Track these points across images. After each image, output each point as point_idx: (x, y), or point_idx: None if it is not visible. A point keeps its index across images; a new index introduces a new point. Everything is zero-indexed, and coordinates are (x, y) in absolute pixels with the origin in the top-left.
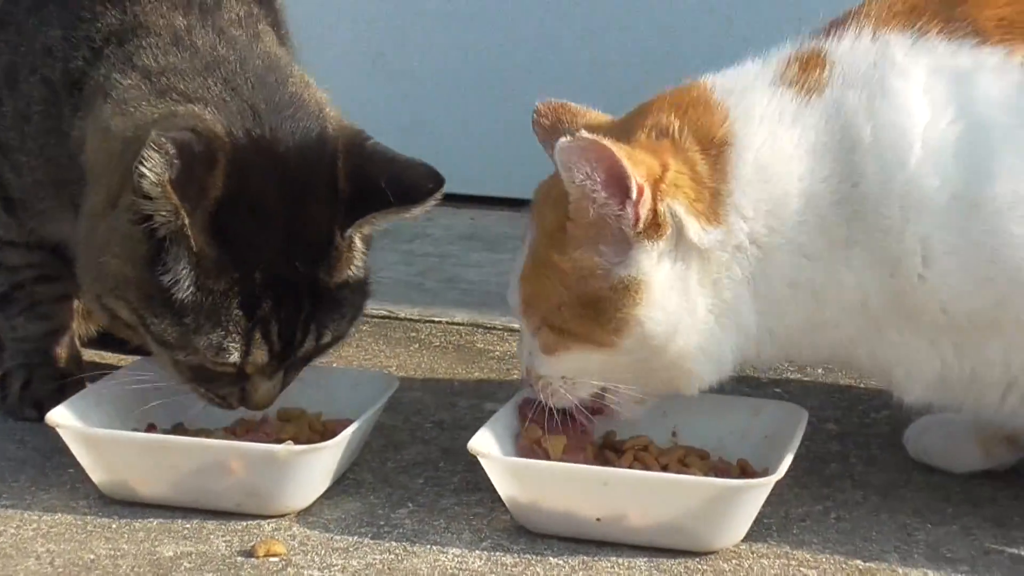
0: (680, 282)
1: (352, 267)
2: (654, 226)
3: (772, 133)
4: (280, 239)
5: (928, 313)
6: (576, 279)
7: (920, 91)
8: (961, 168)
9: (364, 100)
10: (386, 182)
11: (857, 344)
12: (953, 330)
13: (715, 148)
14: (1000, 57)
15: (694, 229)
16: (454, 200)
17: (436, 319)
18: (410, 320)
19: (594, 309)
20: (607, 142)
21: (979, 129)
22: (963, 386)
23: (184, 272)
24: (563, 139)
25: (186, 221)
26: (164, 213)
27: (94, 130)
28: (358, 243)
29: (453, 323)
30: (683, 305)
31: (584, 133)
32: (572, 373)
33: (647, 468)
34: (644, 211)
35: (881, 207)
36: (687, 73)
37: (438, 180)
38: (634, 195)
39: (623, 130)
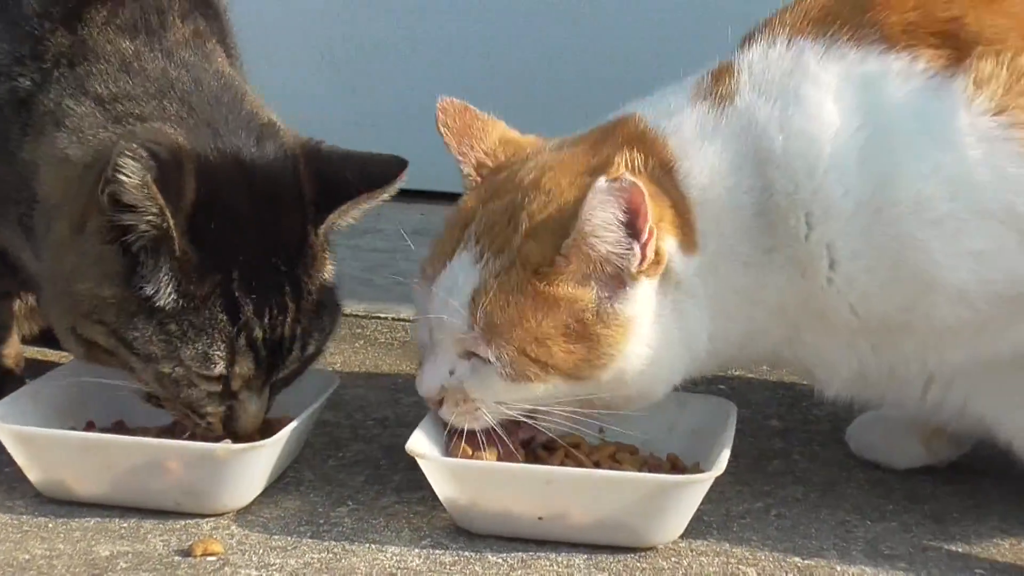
0: (661, 316)
1: (327, 272)
2: (654, 264)
3: (701, 150)
4: (257, 240)
5: (839, 315)
6: (568, 314)
7: (831, 99)
8: (866, 175)
9: (313, 95)
10: (351, 174)
11: (783, 346)
12: (867, 332)
13: (668, 174)
14: (905, 63)
15: (680, 262)
16: (404, 195)
17: (382, 315)
18: (356, 316)
19: (586, 346)
20: (643, 185)
21: (884, 135)
22: (883, 382)
23: (166, 279)
24: (606, 181)
25: (171, 222)
26: (149, 218)
27: (49, 159)
28: (329, 251)
29: (399, 319)
30: (662, 339)
31: (628, 176)
32: (532, 402)
33: (579, 466)
34: (650, 252)
35: (789, 217)
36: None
37: (401, 162)
38: (644, 237)
39: (585, 166)
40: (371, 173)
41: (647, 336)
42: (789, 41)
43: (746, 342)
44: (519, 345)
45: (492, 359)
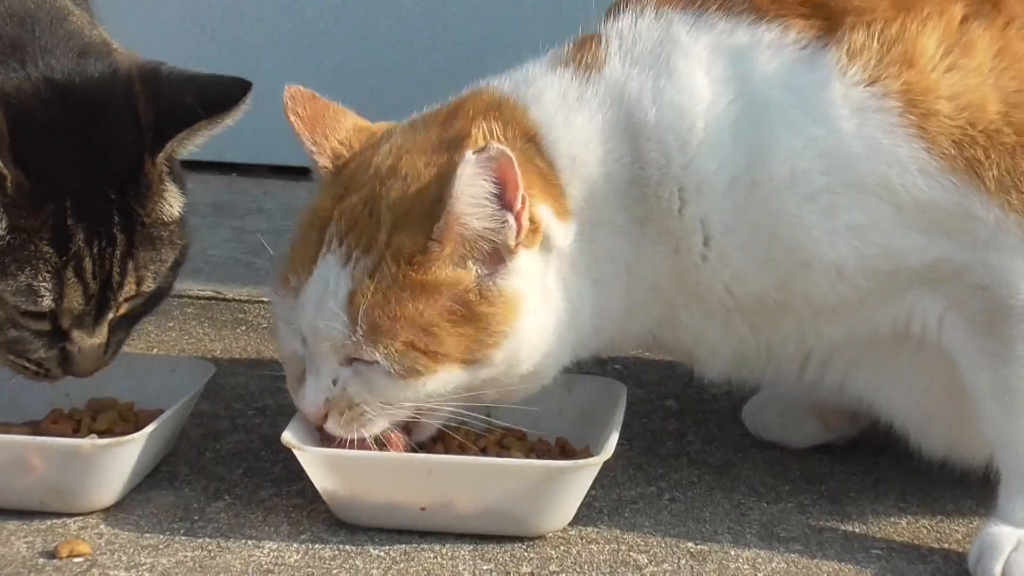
0: (546, 288)
1: (168, 203)
2: (531, 234)
3: (566, 119)
4: (85, 167)
5: (713, 294)
6: (452, 298)
7: (702, 71)
8: (739, 149)
9: (192, 66)
10: (192, 98)
11: (663, 327)
12: (743, 311)
13: (532, 142)
14: (775, 34)
15: (558, 230)
16: (291, 173)
17: (265, 299)
18: (238, 301)
19: (473, 327)
20: (511, 153)
21: (756, 109)
22: (761, 361)
23: None
24: (473, 154)
25: None
26: None
27: None
28: (171, 182)
29: None
30: (550, 311)
31: (495, 144)
32: (423, 398)
33: (465, 453)
34: (525, 221)
35: (661, 189)
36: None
37: (245, 85)
38: (518, 206)
39: (440, 142)
40: (213, 97)
41: (535, 310)
42: (657, 11)
43: (626, 320)
44: (406, 339)
45: (380, 360)
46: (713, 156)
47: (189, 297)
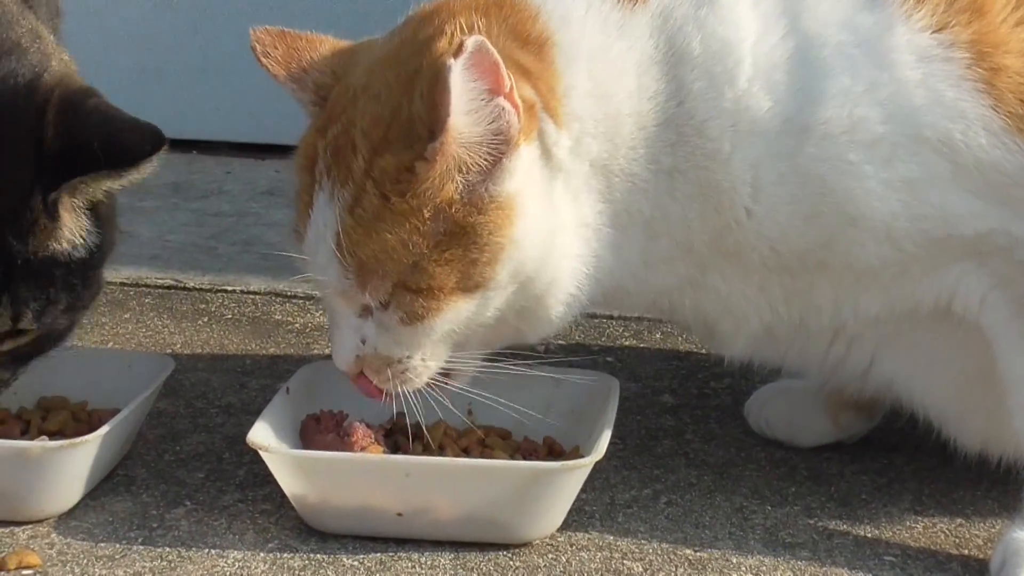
0: (548, 196)
1: (64, 243)
2: (528, 116)
3: (601, 45)
4: None
5: (756, 252)
6: (434, 218)
7: (749, 2)
8: (793, 89)
9: (149, 36)
10: (99, 142)
11: (683, 292)
12: (781, 271)
13: (535, 45)
14: None
15: (550, 126)
16: (254, 151)
17: (229, 288)
18: (199, 290)
19: (462, 245)
20: (483, 39)
21: (811, 47)
22: (789, 336)
23: None
24: (453, 61)
25: None
26: None
27: None
28: (67, 215)
29: (248, 292)
30: (553, 222)
31: (469, 38)
32: (439, 338)
33: (445, 453)
34: (518, 99)
35: (707, 127)
36: None
37: (157, 141)
38: (508, 86)
39: (411, 47)
40: (121, 147)
41: (535, 215)
42: None
43: (644, 271)
44: (396, 280)
45: (375, 305)
46: (766, 94)
47: (146, 286)
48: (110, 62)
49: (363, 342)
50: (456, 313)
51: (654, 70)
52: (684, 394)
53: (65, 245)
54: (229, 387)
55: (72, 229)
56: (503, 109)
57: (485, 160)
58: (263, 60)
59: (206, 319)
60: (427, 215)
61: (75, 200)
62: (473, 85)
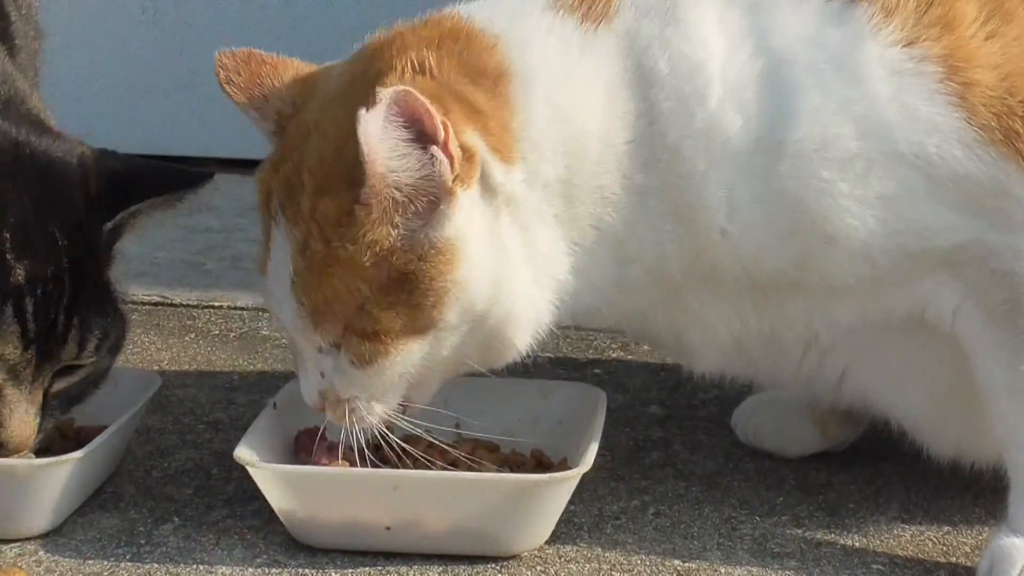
0: (492, 233)
1: (113, 273)
2: (466, 165)
3: (561, 66)
4: (27, 201)
5: (730, 273)
6: (376, 264)
7: (714, 22)
8: (765, 108)
9: (134, 53)
10: (154, 173)
11: (656, 311)
12: (754, 290)
13: (489, 80)
14: None
15: (497, 168)
16: (242, 166)
17: (216, 304)
18: (186, 306)
19: (405, 291)
20: (410, 88)
21: (780, 65)
22: (762, 348)
23: None
24: (364, 112)
25: None
26: None
27: None
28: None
29: (235, 308)
30: (500, 258)
31: (390, 90)
32: (394, 380)
33: (433, 466)
34: (454, 148)
35: (681, 147)
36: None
37: (208, 173)
38: (441, 137)
39: (361, 83)
40: (176, 174)
41: (480, 257)
42: None
43: (617, 296)
44: (345, 323)
45: (326, 348)
46: (737, 113)
47: (133, 303)
48: (96, 79)
49: (322, 375)
50: (407, 355)
51: (623, 90)
52: (672, 405)
53: (112, 275)
54: (217, 403)
55: (115, 272)
56: (434, 159)
57: (421, 206)
58: (226, 87)
59: (193, 335)
60: (368, 262)
61: (132, 224)
62: (396, 135)
